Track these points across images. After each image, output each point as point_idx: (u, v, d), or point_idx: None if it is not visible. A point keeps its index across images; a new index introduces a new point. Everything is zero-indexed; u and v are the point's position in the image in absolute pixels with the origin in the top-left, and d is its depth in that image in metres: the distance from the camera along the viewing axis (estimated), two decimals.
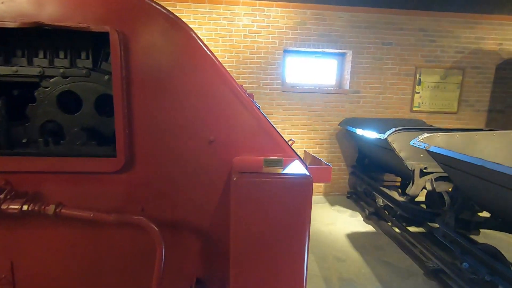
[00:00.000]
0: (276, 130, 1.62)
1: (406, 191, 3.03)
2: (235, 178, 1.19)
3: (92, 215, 1.26)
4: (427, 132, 2.54)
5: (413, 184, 2.96)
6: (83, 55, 1.36)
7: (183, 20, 1.37)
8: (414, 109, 4.67)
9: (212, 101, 1.44)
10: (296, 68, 4.78)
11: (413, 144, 2.28)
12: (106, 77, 1.33)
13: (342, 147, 4.73)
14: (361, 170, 4.42)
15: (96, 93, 1.35)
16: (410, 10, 4.40)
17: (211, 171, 1.48)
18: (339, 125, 4.49)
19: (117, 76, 1.27)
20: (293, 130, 4.59)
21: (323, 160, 2.10)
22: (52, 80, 1.30)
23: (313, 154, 2.41)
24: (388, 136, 2.90)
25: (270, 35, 4.35)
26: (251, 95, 2.25)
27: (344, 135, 4.67)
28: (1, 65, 1.28)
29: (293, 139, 2.20)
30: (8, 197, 1.28)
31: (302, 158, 1.60)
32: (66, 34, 1.30)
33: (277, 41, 4.37)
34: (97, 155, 1.35)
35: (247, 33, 4.31)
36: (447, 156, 2.03)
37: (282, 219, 1.16)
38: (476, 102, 4.71)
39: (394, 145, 2.94)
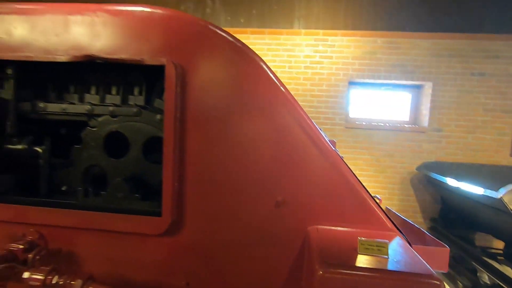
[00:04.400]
0: (366, 189, 1.20)
1: None
2: (320, 272, 0.86)
3: None
4: None
5: None
6: (136, 91, 1.17)
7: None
8: None
9: (283, 149, 1.10)
10: (362, 102, 4.28)
11: None
12: (158, 116, 1.10)
13: (418, 195, 3.94)
14: (445, 226, 3.56)
15: (146, 135, 1.13)
16: (508, 34, 3.67)
17: (276, 242, 1.12)
18: (416, 169, 3.77)
19: (169, 116, 1.03)
20: (357, 172, 4.00)
21: (428, 233, 1.53)
22: (100, 119, 1.12)
23: (403, 217, 1.84)
24: (504, 195, 2.19)
25: (334, 66, 4.00)
26: (332, 143, 1.86)
27: (420, 180, 3.90)
28: (51, 102, 1.14)
29: (378, 196, 1.71)
30: (38, 257, 1.07)
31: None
32: (119, 68, 1.12)
33: (341, 72, 3.99)
34: (139, 211, 1.10)
35: (308, 64, 4.04)
36: None
37: None
38: None
39: None
